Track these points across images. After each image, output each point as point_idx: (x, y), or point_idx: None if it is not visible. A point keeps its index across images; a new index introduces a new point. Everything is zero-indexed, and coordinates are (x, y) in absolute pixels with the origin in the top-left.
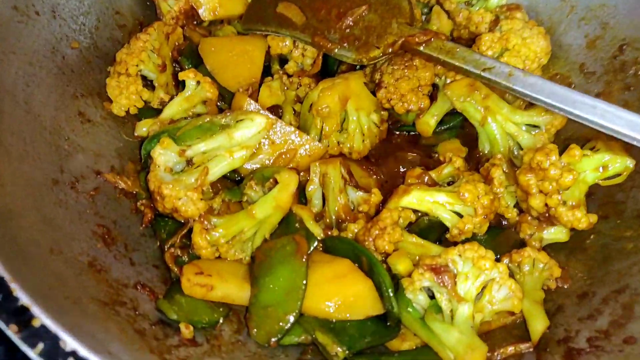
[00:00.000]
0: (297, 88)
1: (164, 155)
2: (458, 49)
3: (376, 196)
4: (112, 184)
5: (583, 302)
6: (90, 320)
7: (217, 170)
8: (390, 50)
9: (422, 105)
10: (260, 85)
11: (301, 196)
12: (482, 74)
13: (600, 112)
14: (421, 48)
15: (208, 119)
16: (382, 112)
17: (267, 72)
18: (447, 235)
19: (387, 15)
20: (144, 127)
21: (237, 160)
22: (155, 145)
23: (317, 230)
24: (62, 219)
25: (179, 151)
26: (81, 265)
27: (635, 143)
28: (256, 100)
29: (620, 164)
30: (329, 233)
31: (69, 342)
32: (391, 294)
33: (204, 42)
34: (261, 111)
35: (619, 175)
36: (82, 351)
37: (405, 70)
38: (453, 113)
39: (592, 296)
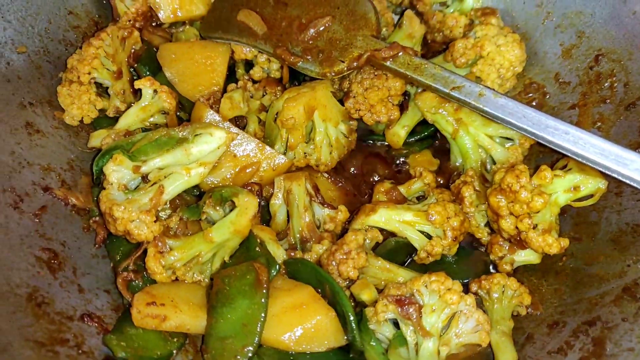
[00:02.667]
0: (263, 96)
1: (117, 172)
2: (426, 65)
3: (343, 214)
4: (62, 200)
5: (553, 332)
6: None
7: (173, 189)
8: (355, 64)
9: (391, 117)
10: (224, 93)
11: (265, 211)
12: (451, 92)
13: (573, 139)
14: (388, 63)
15: (164, 132)
16: (350, 122)
17: (232, 74)
18: (415, 258)
19: (352, 27)
20: (98, 138)
21: (195, 178)
22: (107, 162)
23: (279, 254)
24: None
25: (133, 167)
26: (17, 300)
27: (607, 172)
28: (218, 111)
29: (593, 185)
30: (292, 254)
31: None
32: (354, 326)
33: (163, 49)
34: (221, 124)
35: (591, 196)
36: None
37: (375, 80)
38: (425, 122)
39: (562, 326)
